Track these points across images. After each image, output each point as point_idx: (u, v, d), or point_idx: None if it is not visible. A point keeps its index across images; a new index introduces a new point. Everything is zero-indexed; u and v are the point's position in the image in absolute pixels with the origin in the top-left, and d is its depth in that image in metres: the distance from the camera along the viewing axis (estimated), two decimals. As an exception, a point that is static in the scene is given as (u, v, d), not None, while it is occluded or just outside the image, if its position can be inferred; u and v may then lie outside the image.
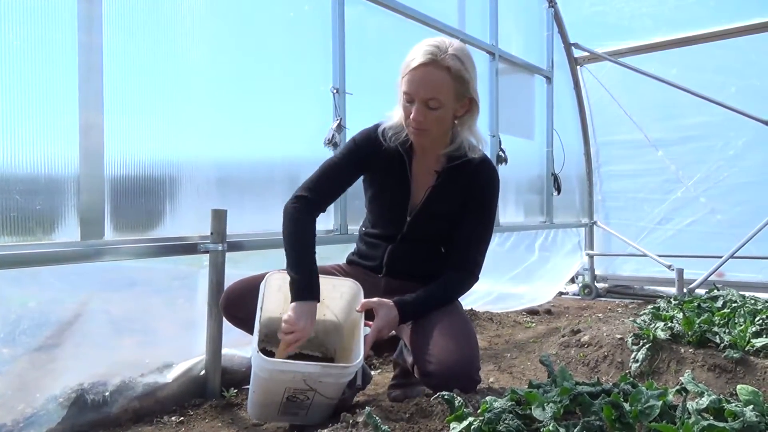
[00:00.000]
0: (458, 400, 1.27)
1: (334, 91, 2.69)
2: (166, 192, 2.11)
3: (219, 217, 2.08)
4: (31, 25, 1.73)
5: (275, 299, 1.78)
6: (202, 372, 2.10)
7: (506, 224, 3.98)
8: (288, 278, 1.69)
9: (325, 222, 2.70)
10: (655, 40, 4.39)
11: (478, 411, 1.23)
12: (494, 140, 3.74)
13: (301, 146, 2.63)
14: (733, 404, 1.25)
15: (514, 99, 4.09)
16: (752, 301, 2.56)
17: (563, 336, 2.67)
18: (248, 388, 1.69)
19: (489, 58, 3.79)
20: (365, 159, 1.83)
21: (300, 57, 2.64)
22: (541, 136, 4.42)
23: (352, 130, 2.64)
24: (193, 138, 2.21)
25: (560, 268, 4.72)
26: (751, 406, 1.24)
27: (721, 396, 1.31)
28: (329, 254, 2.12)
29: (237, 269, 2.11)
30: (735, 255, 3.83)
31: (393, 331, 1.77)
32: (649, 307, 2.64)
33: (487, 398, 1.26)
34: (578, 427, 1.16)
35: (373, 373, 2.33)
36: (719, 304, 2.59)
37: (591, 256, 4.79)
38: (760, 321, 2.21)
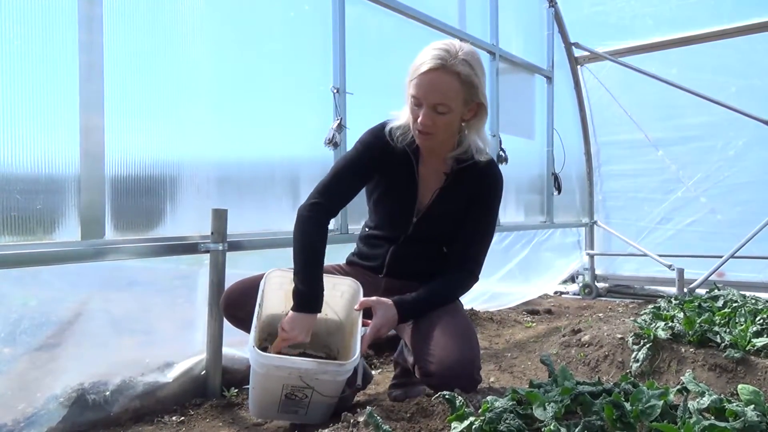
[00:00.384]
0: (459, 400, 1.27)
1: (335, 90, 2.69)
2: (166, 191, 2.10)
3: (219, 217, 2.08)
4: (31, 24, 1.73)
5: (276, 297, 1.78)
6: (203, 371, 2.10)
7: (507, 224, 3.97)
8: (288, 276, 1.69)
9: (325, 222, 2.70)
10: (656, 39, 4.38)
11: (479, 411, 1.23)
12: (495, 140, 3.74)
13: (302, 146, 2.63)
14: (734, 404, 1.25)
15: (515, 98, 4.09)
16: (753, 301, 2.55)
17: (564, 336, 2.67)
18: (248, 387, 1.69)
19: (489, 58, 3.79)
20: (375, 161, 1.82)
21: (300, 57, 2.64)
22: (542, 135, 4.42)
23: (353, 130, 2.65)
24: (194, 137, 2.21)
25: (559, 267, 4.72)
26: (752, 406, 1.24)
27: (722, 396, 1.31)
28: (329, 254, 2.12)
29: (237, 269, 2.11)
30: (735, 255, 3.83)
31: (393, 331, 1.77)
32: (650, 306, 2.64)
33: (488, 398, 1.26)
34: (579, 427, 1.16)
35: (373, 372, 2.33)
36: (720, 303, 2.59)
37: (591, 256, 4.79)
38: (761, 321, 2.20)
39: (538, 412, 1.23)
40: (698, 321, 2.23)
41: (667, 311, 2.48)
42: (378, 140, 1.81)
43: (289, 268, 1.75)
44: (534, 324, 3.60)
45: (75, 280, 1.94)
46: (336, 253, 2.09)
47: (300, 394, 1.57)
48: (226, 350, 2.14)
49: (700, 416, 1.20)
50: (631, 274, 4.76)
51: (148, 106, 2.05)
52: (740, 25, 4.05)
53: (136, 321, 2.10)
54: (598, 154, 4.91)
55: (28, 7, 1.73)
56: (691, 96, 4.10)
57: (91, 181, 1.87)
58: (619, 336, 2.36)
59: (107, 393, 1.85)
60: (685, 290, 3.67)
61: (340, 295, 1.82)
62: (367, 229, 1.99)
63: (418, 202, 1.84)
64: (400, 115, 1.79)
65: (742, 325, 2.19)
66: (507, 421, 1.17)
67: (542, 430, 1.16)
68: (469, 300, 3.63)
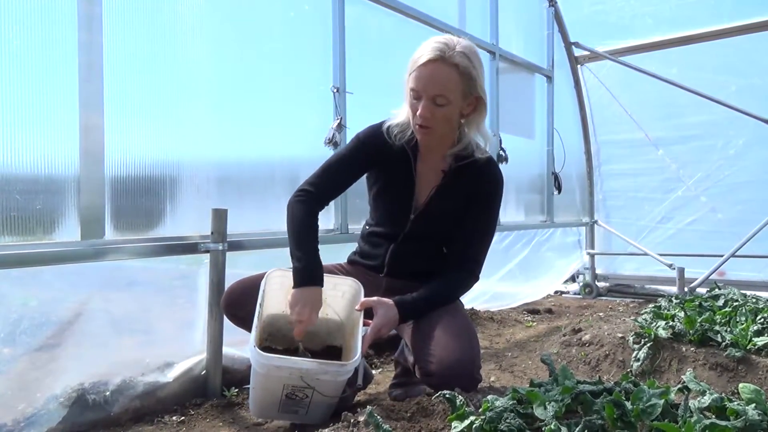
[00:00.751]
0: (459, 399, 1.27)
1: (335, 90, 2.68)
2: (166, 191, 2.10)
3: (219, 217, 2.08)
4: (31, 24, 1.73)
5: (277, 297, 1.78)
6: (203, 371, 2.10)
7: (507, 223, 3.97)
8: (289, 275, 1.69)
9: (325, 221, 2.70)
10: (656, 39, 4.38)
11: (480, 410, 1.23)
12: (495, 139, 3.73)
13: (302, 145, 2.63)
14: (735, 403, 1.25)
15: (515, 98, 4.08)
16: (753, 300, 2.55)
17: (564, 335, 2.67)
18: (249, 387, 1.69)
19: (489, 57, 3.79)
20: (370, 156, 1.83)
21: (300, 56, 2.63)
22: (542, 135, 4.42)
23: (353, 130, 2.64)
24: (194, 137, 2.21)
25: (559, 266, 4.72)
26: (753, 405, 1.24)
27: (723, 395, 1.30)
28: (329, 254, 2.12)
29: (237, 269, 2.10)
30: (736, 254, 3.82)
31: (394, 330, 1.77)
32: (651, 306, 2.64)
33: (489, 397, 1.26)
34: (580, 426, 1.16)
35: (374, 372, 2.33)
36: (720, 302, 2.58)
37: (592, 255, 4.79)
38: (762, 320, 2.20)
39: (538, 412, 1.22)
40: (699, 320, 2.23)
41: (668, 310, 2.48)
42: (375, 136, 1.82)
43: (289, 268, 1.75)
44: (534, 323, 3.59)
45: (75, 280, 1.94)
46: (336, 253, 2.09)
47: (300, 394, 1.56)
48: (227, 350, 2.14)
49: (701, 415, 1.20)
50: (631, 274, 4.76)
51: (148, 106, 2.05)
52: (740, 24, 4.04)
53: (136, 321, 2.10)
54: (599, 154, 4.90)
55: (28, 7, 1.72)
56: (691, 95, 4.10)
57: (91, 181, 1.87)
58: (620, 335, 2.36)
59: (107, 393, 1.85)
60: (686, 289, 3.67)
61: (341, 295, 1.82)
62: (367, 227, 1.99)
63: (415, 199, 1.83)
64: (398, 113, 1.80)
65: (742, 324, 2.19)
66: (507, 421, 1.17)
67: (543, 429, 1.16)
68: (470, 300, 3.63)
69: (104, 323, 1.96)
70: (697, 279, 3.79)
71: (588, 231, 4.91)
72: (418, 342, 1.67)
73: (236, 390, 2.12)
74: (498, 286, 4.03)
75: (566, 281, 4.94)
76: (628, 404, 1.22)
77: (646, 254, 4.39)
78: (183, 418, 1.93)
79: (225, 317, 1.90)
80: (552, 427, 1.14)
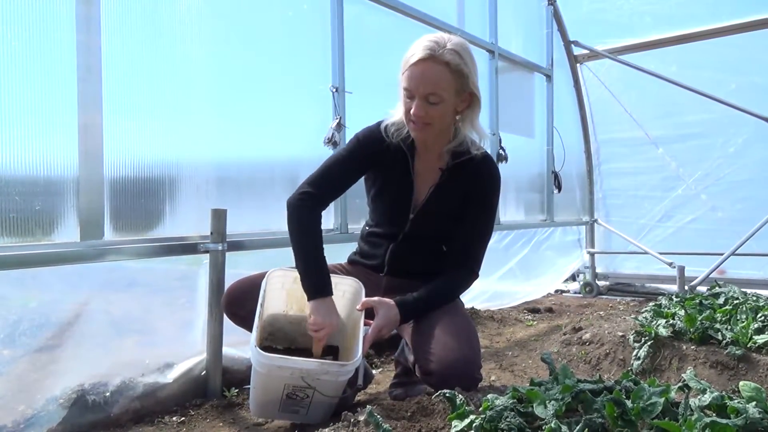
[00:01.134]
0: (460, 399, 1.27)
1: (334, 89, 2.68)
2: (165, 192, 2.10)
3: (219, 217, 2.08)
4: (29, 26, 1.73)
5: (278, 297, 1.78)
6: (203, 372, 2.10)
7: (507, 223, 3.97)
8: (290, 275, 1.69)
9: (325, 221, 2.67)
10: (655, 37, 4.38)
11: (480, 409, 1.23)
12: (494, 138, 3.73)
13: (301, 145, 2.63)
14: (736, 401, 1.25)
15: (514, 97, 4.08)
16: (754, 298, 2.55)
17: (565, 334, 2.67)
18: (249, 387, 1.69)
19: (489, 57, 3.78)
20: (369, 157, 1.83)
21: (299, 56, 2.63)
22: (542, 134, 4.42)
23: (352, 129, 2.64)
24: (192, 138, 2.20)
25: (560, 265, 4.72)
26: (753, 403, 1.24)
27: (724, 393, 1.30)
28: (329, 254, 2.12)
29: (237, 269, 2.10)
30: (736, 252, 3.82)
31: (394, 330, 1.76)
32: (651, 304, 2.63)
33: (489, 396, 1.26)
34: (580, 425, 1.15)
35: (374, 372, 2.32)
36: (721, 301, 2.58)
37: (592, 254, 4.79)
38: (762, 318, 2.20)
39: (538, 410, 1.22)
40: (699, 318, 2.22)
41: (668, 309, 2.48)
42: (373, 136, 1.82)
43: (290, 267, 1.75)
44: (535, 322, 3.59)
45: (75, 281, 1.93)
46: (336, 253, 2.09)
47: (301, 394, 1.56)
48: (227, 350, 2.14)
49: (702, 413, 1.19)
50: (631, 272, 4.76)
51: (147, 106, 2.05)
52: (739, 22, 4.04)
53: (135, 321, 2.10)
54: (598, 152, 4.90)
55: (26, 8, 1.72)
56: (690, 93, 4.10)
57: (90, 181, 1.87)
58: (620, 334, 2.36)
59: (107, 394, 1.85)
60: (686, 288, 3.66)
61: (341, 294, 1.82)
62: (367, 227, 1.99)
63: (413, 198, 1.83)
64: (394, 112, 1.80)
65: (743, 322, 2.19)
66: (508, 420, 1.17)
67: (543, 428, 1.16)
68: (470, 299, 3.63)
69: (104, 324, 1.96)
70: (698, 277, 3.79)
71: (588, 230, 4.91)
72: (419, 341, 1.67)
73: (236, 390, 2.12)
74: (498, 285, 4.02)
75: (566, 280, 4.94)
76: (629, 403, 1.21)
77: (646, 253, 4.39)
78: (183, 418, 1.93)
79: (225, 317, 1.90)
80: (552, 425, 1.14)
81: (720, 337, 2.14)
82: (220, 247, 2.08)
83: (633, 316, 2.61)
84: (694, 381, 1.38)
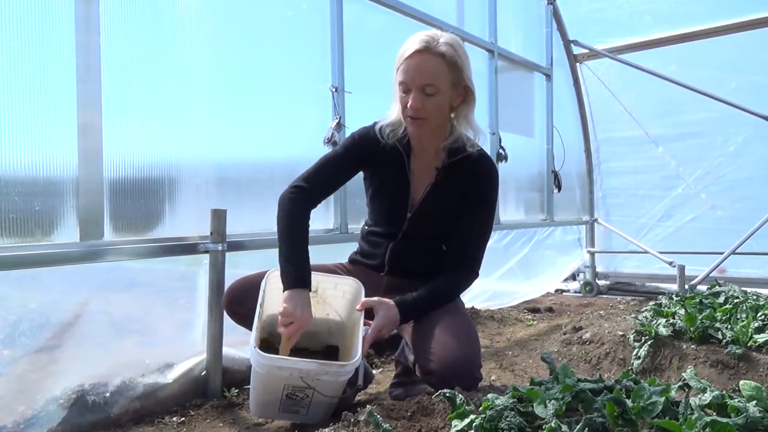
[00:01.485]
0: (460, 398, 1.27)
1: (333, 89, 2.68)
2: (165, 192, 2.10)
3: (218, 217, 2.08)
4: (28, 26, 1.73)
5: (277, 296, 1.78)
6: (203, 372, 2.10)
7: (507, 222, 3.97)
8: None
9: (325, 221, 2.70)
10: (655, 36, 4.37)
11: (480, 409, 1.23)
12: (494, 138, 3.73)
13: (301, 145, 2.63)
14: (736, 400, 1.25)
15: (514, 96, 4.08)
16: (754, 297, 2.55)
17: (565, 333, 2.67)
18: (249, 387, 1.69)
19: (488, 56, 3.78)
20: (363, 155, 1.83)
21: (298, 55, 2.63)
22: (541, 133, 4.42)
23: (352, 129, 2.63)
24: (192, 138, 2.20)
25: (560, 265, 4.72)
26: (754, 402, 1.24)
27: (724, 392, 1.30)
28: (329, 253, 2.12)
29: (237, 269, 2.10)
30: (736, 251, 3.82)
31: (394, 330, 1.76)
32: (651, 303, 2.63)
33: (489, 396, 1.26)
34: (581, 424, 1.15)
35: (374, 371, 2.32)
36: (721, 300, 2.58)
37: (592, 254, 4.79)
38: (763, 317, 2.20)
39: (539, 410, 1.22)
40: (699, 317, 2.22)
41: (669, 308, 2.48)
42: (368, 136, 1.82)
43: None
44: (535, 322, 3.59)
45: (74, 282, 1.93)
46: (336, 253, 2.09)
47: (301, 394, 1.56)
48: (227, 350, 2.14)
49: (702, 412, 1.19)
50: (632, 272, 4.76)
51: (146, 106, 2.05)
52: (740, 20, 4.03)
53: (135, 322, 2.10)
54: (598, 152, 4.90)
55: (25, 8, 1.72)
56: (690, 92, 4.10)
57: (90, 182, 1.87)
58: (621, 333, 2.36)
59: (107, 394, 1.85)
60: (686, 287, 3.66)
61: (341, 294, 1.82)
62: (366, 227, 1.99)
63: (410, 197, 1.83)
64: (389, 114, 1.80)
65: (743, 321, 2.19)
66: (508, 419, 1.16)
67: (543, 427, 1.16)
68: (470, 298, 3.63)
69: (104, 324, 1.96)
70: (698, 276, 3.79)
71: (588, 229, 4.91)
72: (419, 341, 1.67)
73: (236, 390, 2.11)
74: (498, 285, 4.02)
75: (566, 279, 4.94)
76: (629, 402, 1.21)
77: (646, 252, 4.39)
78: (183, 418, 1.93)
79: (225, 316, 1.90)
80: (552, 425, 1.13)
81: (720, 336, 2.13)
82: (220, 247, 2.08)
83: (633, 315, 2.61)
84: (694, 380, 1.38)
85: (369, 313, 1.69)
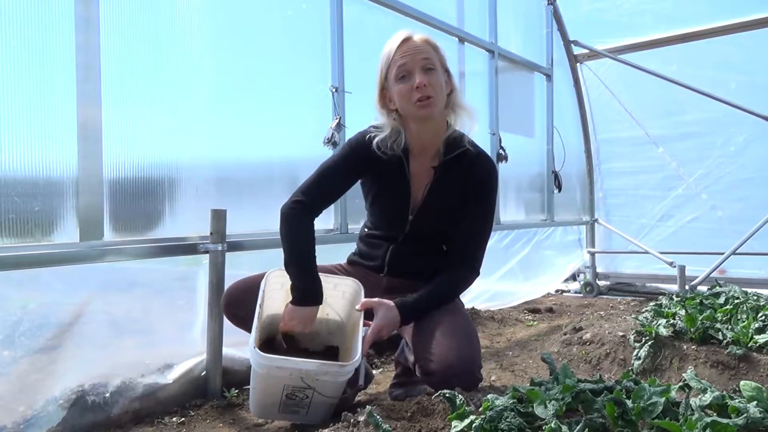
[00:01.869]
0: (460, 399, 1.27)
1: (333, 89, 2.68)
2: (165, 192, 2.10)
3: (218, 217, 2.08)
4: (28, 26, 1.73)
5: (277, 297, 1.78)
6: (203, 372, 2.10)
7: (507, 222, 3.97)
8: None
9: (325, 221, 2.70)
10: (655, 36, 4.37)
11: (480, 409, 1.23)
12: (494, 138, 3.73)
13: (301, 145, 2.63)
14: (737, 400, 1.24)
15: (514, 97, 4.08)
16: (755, 298, 2.54)
17: (565, 334, 2.66)
18: (249, 388, 1.69)
19: (488, 56, 3.78)
20: (361, 165, 1.82)
21: (298, 55, 2.63)
22: (542, 133, 4.41)
23: (352, 129, 2.64)
24: (192, 138, 2.20)
25: (560, 265, 4.72)
26: (754, 402, 1.24)
27: (725, 392, 1.30)
28: (329, 253, 2.12)
29: (237, 269, 2.10)
30: (737, 251, 3.82)
31: (394, 331, 1.76)
32: (651, 304, 2.63)
33: (489, 396, 1.26)
34: (581, 425, 1.15)
35: (374, 372, 2.32)
36: (721, 300, 2.58)
37: (592, 254, 4.78)
38: (763, 317, 2.19)
39: (539, 411, 1.22)
40: (700, 318, 2.22)
41: (669, 308, 2.47)
42: (365, 142, 1.81)
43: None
44: (535, 322, 3.59)
45: (74, 282, 1.93)
46: (336, 253, 2.09)
47: (301, 394, 1.56)
48: (227, 351, 2.14)
49: (703, 413, 1.19)
50: (632, 272, 4.75)
51: (146, 107, 2.05)
52: (740, 20, 4.03)
53: (135, 322, 2.10)
54: (598, 152, 4.90)
55: (25, 8, 1.72)
56: (691, 92, 4.09)
57: (89, 182, 1.87)
58: (621, 334, 2.36)
59: (107, 394, 1.84)
60: (687, 287, 3.66)
61: (341, 295, 1.82)
62: (366, 230, 1.99)
63: (411, 199, 1.83)
64: (382, 126, 1.80)
65: (744, 321, 2.18)
66: (508, 420, 1.16)
67: (543, 428, 1.16)
68: (470, 299, 3.63)
69: (104, 325, 1.96)
70: (698, 277, 3.79)
71: (588, 229, 4.91)
72: (419, 341, 1.66)
73: (236, 391, 2.11)
74: (498, 285, 4.02)
75: (567, 280, 4.93)
76: (629, 403, 1.21)
77: (646, 252, 4.38)
78: (183, 419, 1.92)
79: (225, 317, 1.90)
80: (552, 425, 1.13)
81: (721, 337, 2.13)
82: (219, 248, 2.08)
83: (633, 315, 2.61)
84: (694, 381, 1.38)
85: (369, 314, 1.68)
